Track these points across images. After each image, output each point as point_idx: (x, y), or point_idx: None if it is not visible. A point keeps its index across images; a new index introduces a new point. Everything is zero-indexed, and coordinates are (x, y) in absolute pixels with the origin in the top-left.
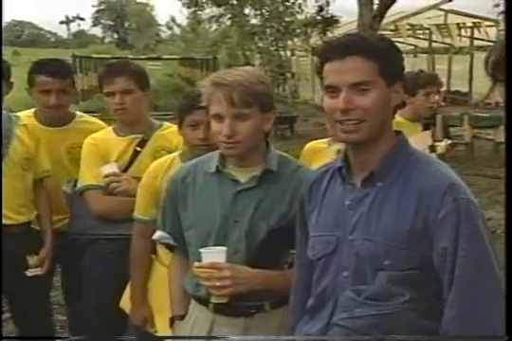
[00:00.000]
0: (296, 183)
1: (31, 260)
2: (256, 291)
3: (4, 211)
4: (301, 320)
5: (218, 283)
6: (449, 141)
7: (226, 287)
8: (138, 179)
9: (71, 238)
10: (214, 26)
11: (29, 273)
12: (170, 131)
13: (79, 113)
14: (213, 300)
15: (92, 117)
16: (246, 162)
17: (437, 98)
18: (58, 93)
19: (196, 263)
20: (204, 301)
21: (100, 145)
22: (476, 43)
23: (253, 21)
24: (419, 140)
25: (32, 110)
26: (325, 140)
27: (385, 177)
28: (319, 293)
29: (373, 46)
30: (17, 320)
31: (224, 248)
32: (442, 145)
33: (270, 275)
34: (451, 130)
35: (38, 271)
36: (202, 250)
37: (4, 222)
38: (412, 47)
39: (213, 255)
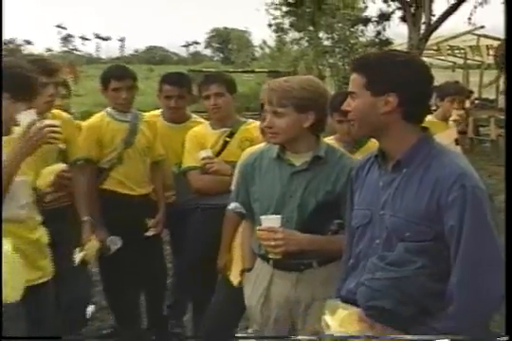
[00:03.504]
0: (339, 167)
1: (149, 222)
2: (305, 251)
3: (130, 185)
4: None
5: (273, 243)
6: (458, 136)
7: (278, 246)
8: (227, 162)
9: (177, 207)
10: (295, 47)
11: (149, 233)
12: (252, 126)
13: (193, 115)
14: (270, 256)
15: (201, 119)
16: (299, 149)
17: (467, 104)
18: (177, 98)
19: (258, 227)
20: (265, 258)
21: (198, 136)
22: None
23: (325, 42)
24: (447, 135)
25: (160, 110)
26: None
27: (409, 165)
28: (356, 254)
29: (365, 64)
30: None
31: (279, 216)
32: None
33: (316, 238)
34: (481, 129)
35: (154, 231)
36: (262, 217)
37: (130, 193)
38: (451, 64)
39: (270, 221)
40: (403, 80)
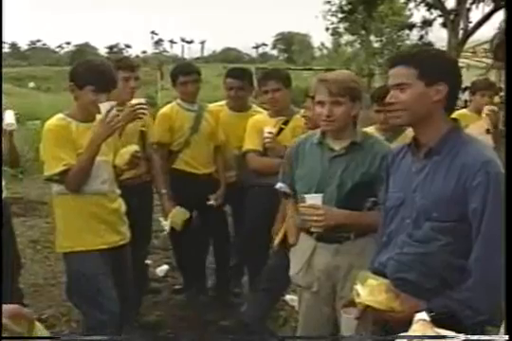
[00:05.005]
0: (373, 152)
1: (212, 196)
2: (342, 225)
3: (196, 165)
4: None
5: (315, 218)
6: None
7: (320, 221)
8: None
9: (238, 185)
10: (349, 49)
11: (209, 202)
12: None
13: (254, 105)
14: (313, 230)
15: (261, 109)
16: (340, 136)
17: (497, 98)
18: (236, 89)
19: (301, 204)
20: (309, 232)
21: (258, 123)
22: None
23: (375, 45)
24: (479, 126)
25: (225, 101)
26: (372, 127)
27: (439, 153)
28: (388, 232)
29: (414, 58)
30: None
31: (321, 195)
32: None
33: (352, 214)
34: None
35: (214, 203)
36: (306, 195)
37: (196, 172)
38: (485, 65)
39: (313, 199)
40: (450, 70)
